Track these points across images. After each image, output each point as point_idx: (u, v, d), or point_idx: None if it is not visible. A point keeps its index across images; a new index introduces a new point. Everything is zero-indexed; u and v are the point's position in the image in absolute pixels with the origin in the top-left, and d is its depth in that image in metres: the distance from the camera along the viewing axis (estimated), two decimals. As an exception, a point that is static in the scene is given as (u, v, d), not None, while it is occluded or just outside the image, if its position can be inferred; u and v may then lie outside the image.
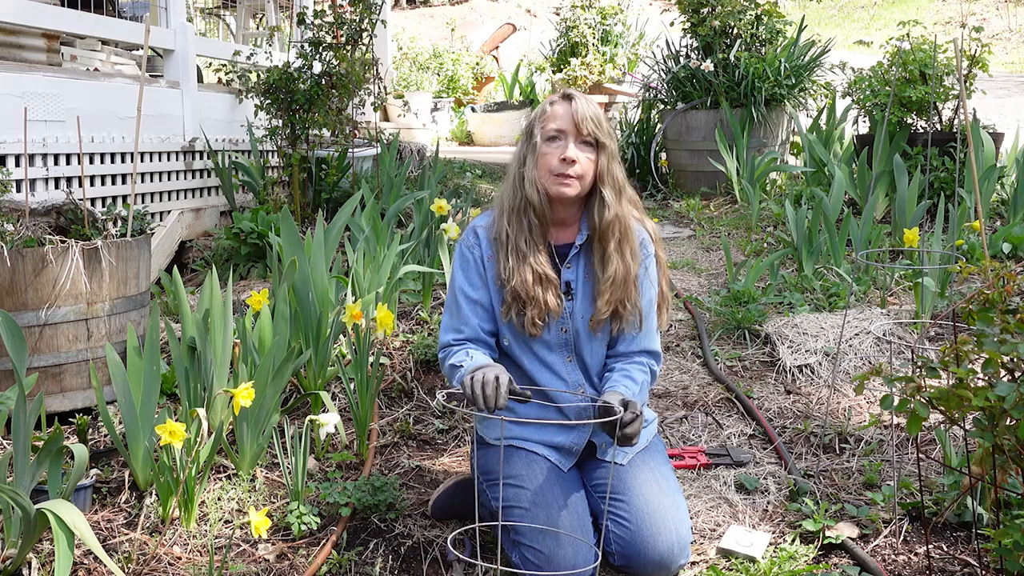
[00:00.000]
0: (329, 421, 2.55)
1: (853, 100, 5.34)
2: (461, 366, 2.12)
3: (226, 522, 2.42)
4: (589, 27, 9.61)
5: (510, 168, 2.24)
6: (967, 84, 4.92)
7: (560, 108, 2.13)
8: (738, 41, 6.22)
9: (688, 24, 6.45)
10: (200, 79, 5.59)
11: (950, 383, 1.75)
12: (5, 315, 2.36)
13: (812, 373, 3.22)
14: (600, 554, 2.04)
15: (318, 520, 2.36)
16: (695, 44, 6.43)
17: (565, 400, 2.23)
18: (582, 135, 2.11)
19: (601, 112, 2.15)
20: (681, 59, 6.46)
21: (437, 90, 10.45)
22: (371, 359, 2.89)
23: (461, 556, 2.09)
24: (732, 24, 6.18)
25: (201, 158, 5.19)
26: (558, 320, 2.20)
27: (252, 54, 5.37)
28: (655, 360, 2.26)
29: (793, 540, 2.23)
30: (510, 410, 2.20)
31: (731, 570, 2.14)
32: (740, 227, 5.27)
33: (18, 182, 3.80)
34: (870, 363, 3.21)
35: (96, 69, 5.55)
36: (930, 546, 2.16)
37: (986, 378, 1.71)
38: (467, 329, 2.22)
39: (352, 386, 2.83)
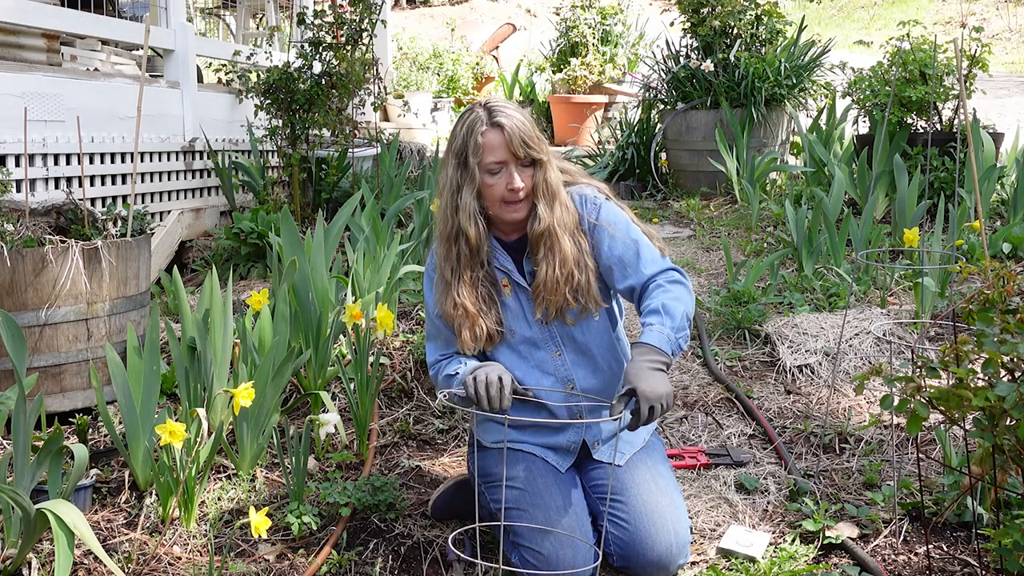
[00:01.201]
0: (329, 421, 2.55)
1: (853, 100, 5.34)
2: (457, 373, 2.13)
3: (226, 522, 2.42)
4: (589, 27, 9.60)
5: (441, 193, 2.18)
6: (967, 84, 4.92)
7: (494, 137, 2.07)
8: (738, 41, 6.22)
9: (688, 24, 6.44)
10: (200, 79, 5.59)
11: (950, 383, 1.75)
12: (5, 315, 2.36)
13: (812, 373, 3.22)
14: (600, 554, 2.04)
15: (318, 520, 2.36)
16: (695, 44, 6.42)
17: (557, 401, 2.21)
18: (520, 160, 2.09)
19: (528, 123, 2.10)
20: (681, 59, 6.45)
21: (437, 90, 10.43)
22: (371, 359, 2.89)
23: (461, 556, 2.09)
24: (732, 24, 6.18)
25: (201, 158, 5.19)
26: (537, 316, 2.18)
27: (252, 54, 5.36)
28: (671, 272, 2.12)
29: (793, 540, 2.23)
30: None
31: (731, 570, 2.14)
32: (740, 227, 5.26)
33: (18, 182, 3.80)
34: (870, 363, 3.21)
35: (96, 69, 5.55)
36: (930, 546, 2.16)
37: (986, 378, 1.71)
38: (452, 346, 2.23)
39: (352, 386, 2.83)
